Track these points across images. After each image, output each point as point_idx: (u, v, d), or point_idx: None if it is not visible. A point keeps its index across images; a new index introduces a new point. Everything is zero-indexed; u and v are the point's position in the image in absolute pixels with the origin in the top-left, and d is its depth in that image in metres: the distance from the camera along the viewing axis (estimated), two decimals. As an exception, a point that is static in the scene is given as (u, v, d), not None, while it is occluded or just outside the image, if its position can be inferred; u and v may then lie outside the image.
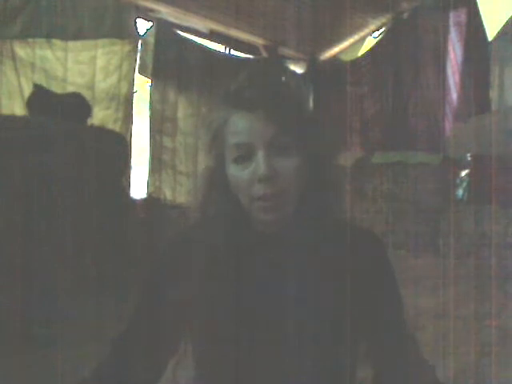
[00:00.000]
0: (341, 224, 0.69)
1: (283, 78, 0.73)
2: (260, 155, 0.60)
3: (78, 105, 2.36)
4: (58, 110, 2.13)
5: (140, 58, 3.21)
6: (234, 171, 0.62)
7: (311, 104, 4.21)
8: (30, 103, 2.29)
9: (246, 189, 0.61)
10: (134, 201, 2.85)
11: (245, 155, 0.61)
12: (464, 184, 2.84)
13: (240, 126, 0.62)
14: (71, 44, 2.83)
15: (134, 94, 3.16)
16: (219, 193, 0.66)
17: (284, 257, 0.64)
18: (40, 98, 2.28)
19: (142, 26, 3.26)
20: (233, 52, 3.88)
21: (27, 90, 2.60)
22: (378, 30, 3.63)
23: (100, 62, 2.95)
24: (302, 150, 0.63)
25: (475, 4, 2.74)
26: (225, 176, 0.64)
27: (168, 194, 3.32)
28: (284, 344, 0.62)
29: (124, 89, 3.05)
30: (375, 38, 3.72)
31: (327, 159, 0.68)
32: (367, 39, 3.81)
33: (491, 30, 2.72)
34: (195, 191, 0.72)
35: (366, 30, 3.65)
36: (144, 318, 0.67)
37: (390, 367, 0.64)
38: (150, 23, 3.29)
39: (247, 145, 0.61)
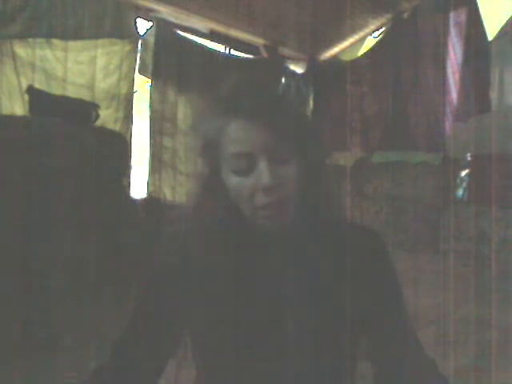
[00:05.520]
0: (340, 224, 0.69)
1: (279, 82, 0.73)
2: (262, 165, 0.59)
3: (88, 112, 2.36)
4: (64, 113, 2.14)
5: (140, 58, 3.21)
6: (234, 181, 0.61)
7: (311, 104, 4.21)
8: (32, 106, 2.28)
9: (247, 198, 0.61)
10: (134, 201, 2.85)
11: (245, 165, 0.60)
12: (464, 184, 2.84)
13: (239, 135, 0.60)
14: (71, 44, 2.82)
15: (134, 94, 3.15)
16: (216, 201, 0.66)
17: (286, 262, 0.64)
18: (42, 100, 2.28)
19: (142, 25, 3.26)
20: (233, 52, 3.88)
21: (27, 90, 2.60)
22: (378, 30, 3.63)
23: (100, 62, 2.95)
24: (300, 157, 0.62)
25: (475, 4, 2.74)
26: (222, 184, 0.64)
27: (168, 193, 3.32)
28: (284, 343, 0.62)
29: (124, 89, 3.04)
30: (375, 37, 3.71)
31: (324, 163, 0.69)
32: (367, 39, 3.80)
33: (491, 30, 2.72)
34: (189, 198, 0.72)
35: (366, 30, 3.65)
36: (144, 318, 0.68)
37: (392, 363, 0.64)
38: (150, 23, 3.29)
39: (247, 154, 0.60)
